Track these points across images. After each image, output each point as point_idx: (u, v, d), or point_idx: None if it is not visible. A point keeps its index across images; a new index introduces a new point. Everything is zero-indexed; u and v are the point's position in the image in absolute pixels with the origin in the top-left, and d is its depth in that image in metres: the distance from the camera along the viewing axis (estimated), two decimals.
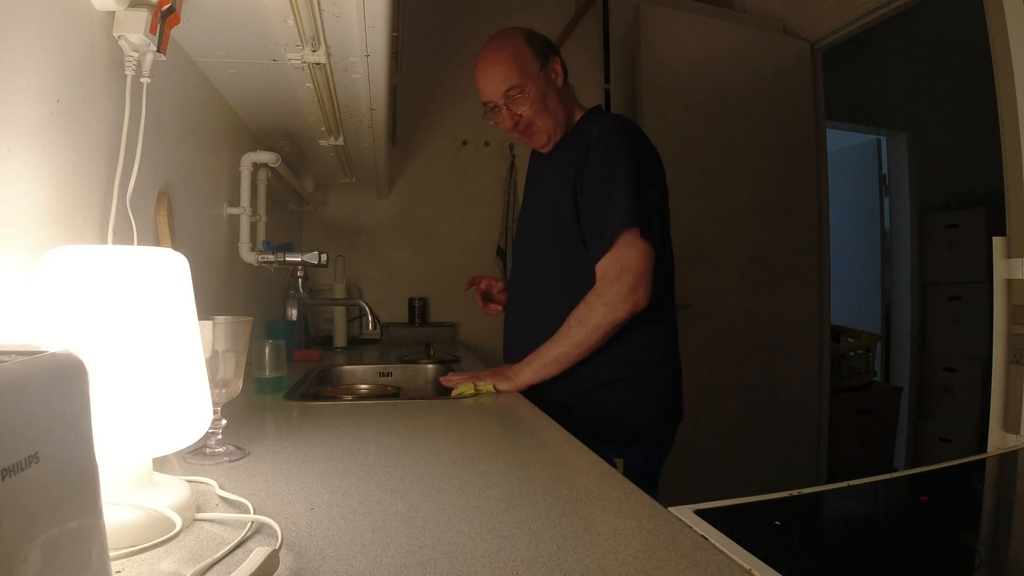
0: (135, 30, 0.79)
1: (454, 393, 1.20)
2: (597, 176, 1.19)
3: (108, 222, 0.80)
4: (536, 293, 1.32)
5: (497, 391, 1.21)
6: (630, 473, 1.08)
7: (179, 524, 0.52)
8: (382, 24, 1.03)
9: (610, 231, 1.16)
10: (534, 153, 1.43)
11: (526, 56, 1.25)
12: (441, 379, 1.27)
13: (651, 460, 1.27)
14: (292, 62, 1.18)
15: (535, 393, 1.22)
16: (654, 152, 1.26)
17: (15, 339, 0.60)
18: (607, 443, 1.12)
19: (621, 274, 1.15)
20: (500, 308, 1.50)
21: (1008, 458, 0.96)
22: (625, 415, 1.23)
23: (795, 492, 0.71)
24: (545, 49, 1.29)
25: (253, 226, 1.58)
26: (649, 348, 1.26)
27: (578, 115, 1.33)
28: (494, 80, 1.25)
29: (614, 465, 1.08)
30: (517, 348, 1.31)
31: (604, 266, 1.17)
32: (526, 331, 1.32)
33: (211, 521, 0.57)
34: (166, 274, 0.56)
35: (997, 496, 0.81)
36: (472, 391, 1.20)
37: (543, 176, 1.37)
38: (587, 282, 1.19)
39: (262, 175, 1.63)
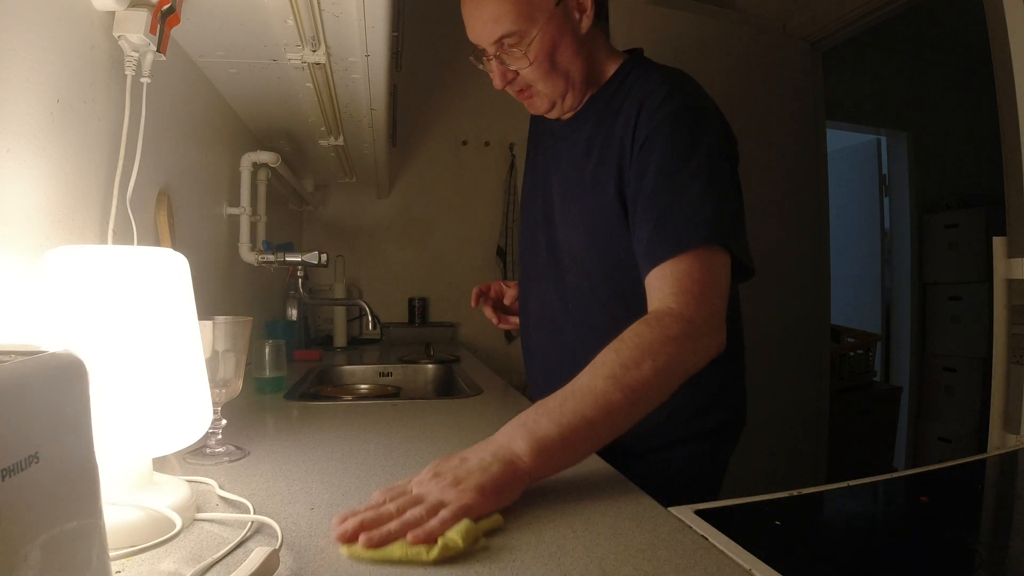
0: (135, 30, 0.79)
1: (376, 557, 0.51)
2: (667, 149, 0.83)
3: (108, 222, 0.80)
4: (567, 319, 0.97)
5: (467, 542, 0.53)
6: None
7: (179, 524, 0.52)
8: (382, 24, 1.03)
9: (680, 244, 0.78)
10: (538, 127, 1.10)
11: None
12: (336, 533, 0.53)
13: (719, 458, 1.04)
14: (292, 62, 1.18)
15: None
16: (725, 122, 0.92)
17: (15, 339, 0.60)
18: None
19: (705, 291, 0.76)
20: (514, 319, 1.16)
21: (1008, 458, 0.96)
22: (689, 476, 0.95)
23: (795, 492, 0.71)
24: None
25: (253, 226, 1.58)
26: (724, 391, 0.99)
27: (610, 68, 0.97)
28: (483, 20, 0.89)
29: None
30: (555, 384, 0.75)
31: (681, 272, 0.77)
32: (563, 363, 0.94)
33: (211, 521, 0.57)
34: (166, 274, 0.56)
35: (997, 496, 0.81)
36: (406, 555, 0.51)
37: (562, 153, 1.00)
38: (635, 306, 0.80)
39: (262, 175, 1.63)
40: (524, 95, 0.95)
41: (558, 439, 0.64)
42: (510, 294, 1.18)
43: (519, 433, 0.64)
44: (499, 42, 0.89)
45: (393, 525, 0.52)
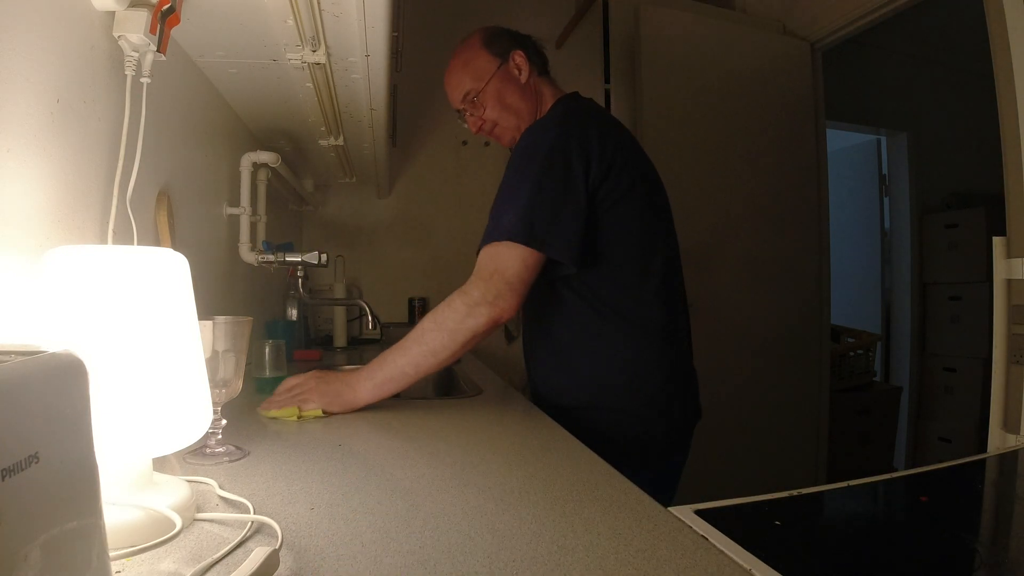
0: (135, 30, 0.79)
1: (268, 415, 1.01)
2: (506, 174, 1.10)
3: (108, 222, 0.80)
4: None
5: (325, 414, 1.02)
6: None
7: (179, 524, 0.52)
8: (382, 24, 1.03)
9: (494, 233, 1.04)
10: None
11: (480, 58, 1.22)
12: (260, 407, 1.04)
13: (658, 481, 1.11)
14: (292, 62, 1.18)
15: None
16: (603, 148, 1.09)
17: (15, 339, 0.60)
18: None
19: (493, 275, 1.02)
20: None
21: (1008, 458, 0.96)
22: (609, 439, 1.09)
23: (795, 492, 0.71)
24: (508, 44, 1.23)
25: (253, 226, 1.58)
26: (618, 374, 1.12)
27: (550, 106, 1.24)
28: (451, 87, 1.26)
29: None
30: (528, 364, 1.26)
31: (479, 262, 1.05)
32: (528, 348, 1.26)
33: (211, 521, 0.57)
34: (166, 274, 0.56)
35: (997, 496, 0.81)
36: (294, 416, 1.00)
37: None
38: (565, 293, 1.11)
39: (262, 175, 1.63)
40: (493, 134, 1.27)
41: (383, 380, 1.04)
42: None
43: (363, 375, 1.05)
44: (464, 99, 1.24)
45: (285, 399, 1.04)
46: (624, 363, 1.12)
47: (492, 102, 1.22)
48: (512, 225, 1.02)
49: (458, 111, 1.28)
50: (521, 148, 1.10)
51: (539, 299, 1.14)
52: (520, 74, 1.23)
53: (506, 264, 1.02)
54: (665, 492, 1.15)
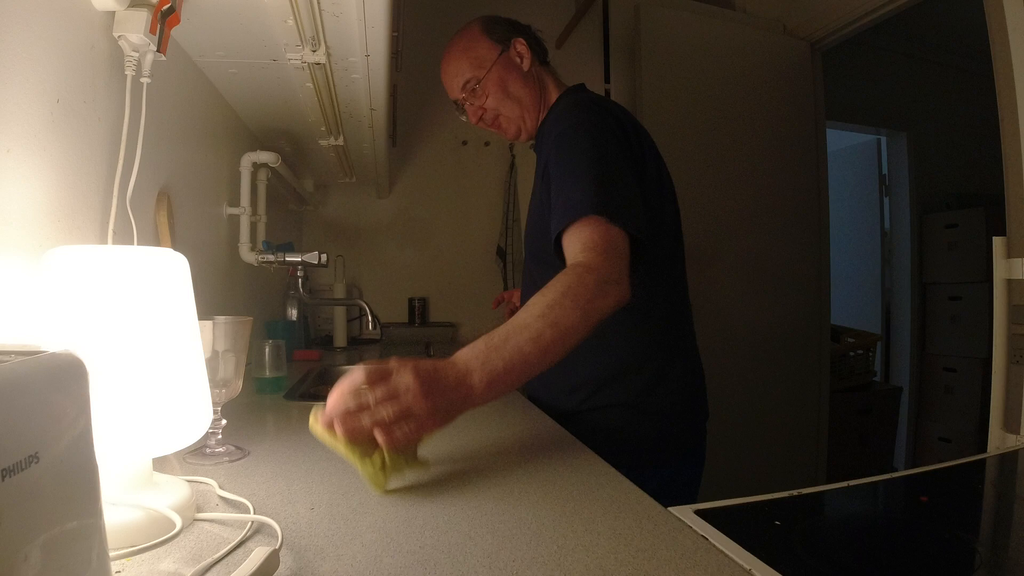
0: (135, 30, 0.79)
1: (336, 447, 0.65)
2: (554, 160, 1.00)
3: (108, 222, 0.80)
4: None
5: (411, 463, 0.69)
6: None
7: (179, 524, 0.52)
8: (382, 24, 1.03)
9: (572, 213, 0.91)
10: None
11: (480, 45, 1.17)
12: (316, 422, 0.65)
13: (671, 482, 1.07)
14: (292, 62, 1.18)
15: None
16: (634, 131, 1.07)
17: (15, 339, 0.60)
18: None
19: (608, 250, 0.87)
20: None
21: (1008, 458, 0.96)
22: (623, 440, 1.05)
23: (795, 492, 0.71)
24: (508, 32, 1.19)
25: (253, 226, 1.58)
26: (617, 370, 1.07)
27: (555, 97, 1.20)
28: (450, 76, 1.20)
29: None
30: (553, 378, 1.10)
31: (585, 237, 0.88)
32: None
33: (211, 521, 0.57)
34: (166, 274, 0.56)
35: (997, 496, 0.81)
36: (374, 475, 0.63)
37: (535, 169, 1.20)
38: None
39: (262, 175, 1.63)
40: (495, 125, 1.21)
41: (503, 372, 0.72)
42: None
43: (475, 367, 0.72)
44: (464, 88, 1.18)
45: (365, 420, 0.63)
46: (630, 359, 1.08)
47: (495, 90, 1.16)
48: (608, 201, 0.91)
49: (456, 102, 1.22)
50: (569, 129, 1.01)
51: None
52: (522, 62, 1.18)
53: (619, 242, 0.88)
54: (691, 486, 1.12)
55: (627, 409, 1.07)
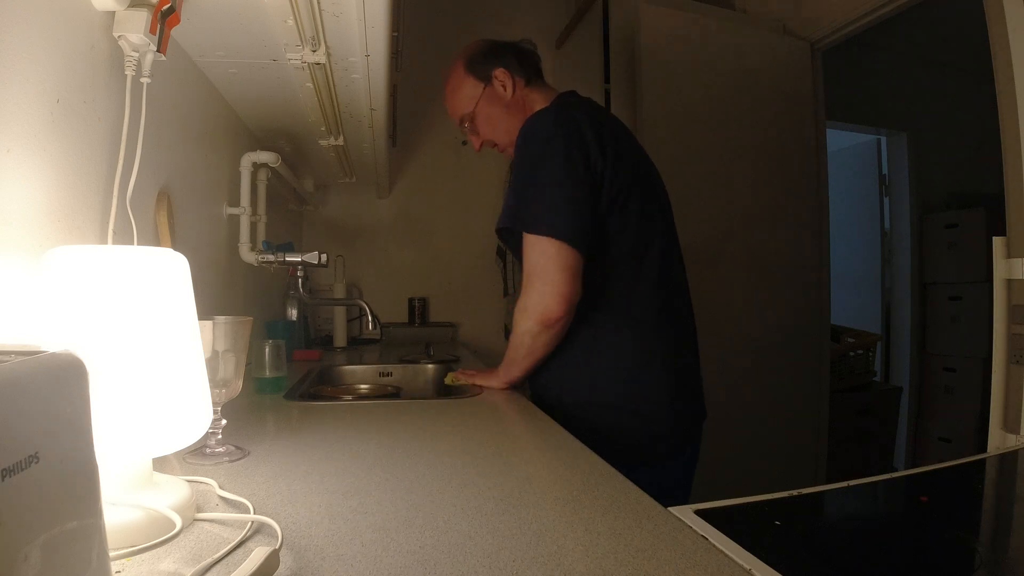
0: (135, 30, 0.79)
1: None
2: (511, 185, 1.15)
3: (108, 222, 0.80)
4: None
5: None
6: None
7: (179, 524, 0.52)
8: (382, 24, 1.03)
9: (528, 225, 1.08)
10: None
11: (466, 85, 1.27)
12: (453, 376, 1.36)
13: (664, 480, 1.09)
14: (292, 62, 1.18)
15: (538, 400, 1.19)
16: (579, 138, 1.09)
17: (15, 339, 0.60)
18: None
19: (529, 279, 1.07)
20: None
21: (1008, 458, 0.96)
22: (615, 439, 1.08)
23: (795, 492, 0.71)
24: (490, 64, 1.26)
25: (253, 226, 1.58)
26: (615, 369, 1.13)
27: None
28: (450, 113, 1.33)
29: None
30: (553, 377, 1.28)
31: (529, 260, 1.08)
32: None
33: (211, 521, 0.57)
34: (166, 274, 0.56)
35: (997, 496, 0.81)
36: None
37: None
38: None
39: (262, 175, 1.63)
40: (497, 149, 1.33)
41: (519, 375, 1.22)
42: None
43: (500, 376, 1.25)
44: (460, 124, 1.32)
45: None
46: (622, 358, 1.12)
47: (483, 123, 1.28)
48: (522, 217, 1.09)
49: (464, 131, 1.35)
50: (520, 143, 1.13)
51: None
52: (505, 91, 1.26)
53: (534, 262, 1.08)
54: (676, 491, 1.14)
55: (609, 409, 1.12)
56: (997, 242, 1.42)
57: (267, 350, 1.26)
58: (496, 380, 1.24)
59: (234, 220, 1.53)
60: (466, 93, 1.27)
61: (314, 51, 1.12)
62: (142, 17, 0.80)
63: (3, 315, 0.59)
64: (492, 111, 1.26)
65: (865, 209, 3.65)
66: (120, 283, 0.52)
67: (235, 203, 1.51)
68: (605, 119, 1.17)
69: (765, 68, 2.53)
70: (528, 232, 1.07)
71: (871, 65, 3.36)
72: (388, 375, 1.78)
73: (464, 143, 2.69)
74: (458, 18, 2.59)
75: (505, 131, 1.26)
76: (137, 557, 0.49)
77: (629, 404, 1.12)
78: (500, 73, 1.25)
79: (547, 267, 1.05)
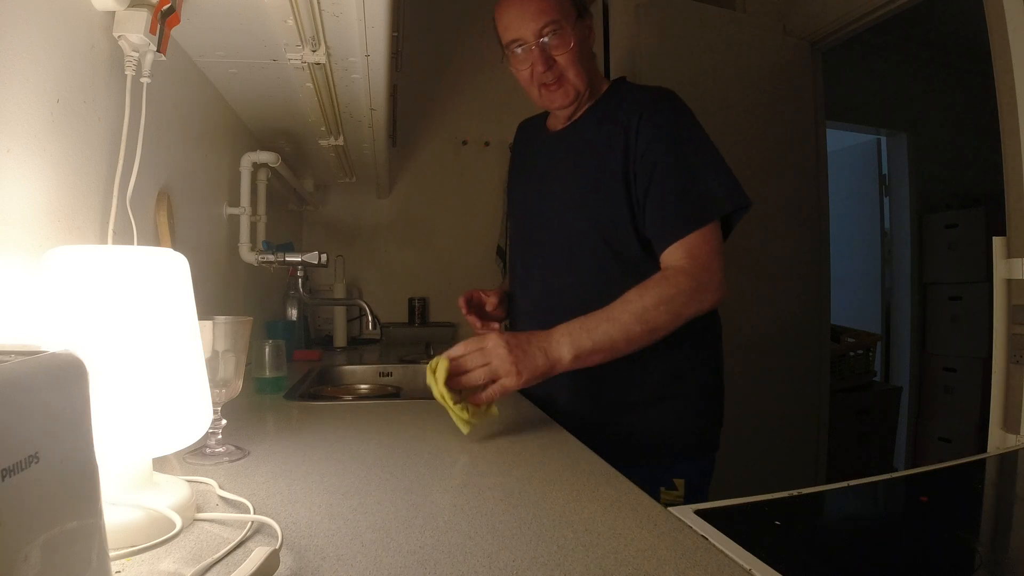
0: (135, 30, 0.79)
1: (443, 399, 0.85)
2: (666, 155, 1.02)
3: (108, 222, 0.80)
4: (573, 299, 1.06)
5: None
6: (691, 489, 1.06)
7: (179, 524, 0.52)
8: (382, 24, 1.03)
9: (697, 216, 0.99)
10: (529, 135, 1.30)
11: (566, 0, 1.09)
12: (433, 365, 0.86)
13: (707, 469, 1.13)
14: (292, 62, 1.18)
15: (548, 403, 1.09)
16: None
17: (15, 339, 0.60)
18: (652, 462, 1.04)
19: (713, 259, 0.97)
20: (499, 326, 1.29)
21: (1008, 458, 0.96)
22: (675, 432, 1.08)
23: (795, 492, 0.71)
24: (581, 2, 1.12)
25: (253, 226, 1.58)
26: (699, 357, 1.10)
27: (603, 87, 1.16)
28: (530, 12, 1.06)
29: (673, 487, 1.06)
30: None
31: (690, 245, 0.98)
32: None
33: (211, 521, 0.57)
34: (166, 274, 0.56)
35: (997, 496, 0.81)
36: (463, 417, 0.85)
37: (561, 158, 1.17)
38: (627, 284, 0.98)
39: (262, 175, 1.63)
40: (552, 87, 1.10)
41: (589, 352, 0.89)
42: (491, 301, 1.28)
43: (566, 342, 0.89)
44: (542, 30, 1.06)
45: (475, 374, 0.85)
46: (694, 348, 1.09)
47: (576, 43, 1.08)
48: (721, 199, 1.03)
49: (514, 45, 1.09)
50: (679, 119, 1.08)
51: (599, 285, 1.06)
52: (589, 38, 1.13)
53: (719, 242, 1.01)
54: (705, 487, 1.14)
55: (684, 400, 1.10)
56: (997, 242, 1.42)
57: (267, 350, 1.26)
58: (544, 375, 0.88)
59: (234, 220, 1.53)
60: (565, 5, 1.07)
61: (314, 51, 1.12)
62: (142, 17, 0.80)
63: (3, 315, 0.59)
64: (584, 42, 1.10)
65: (865, 209, 3.65)
66: (120, 283, 0.52)
67: (235, 203, 1.51)
68: None
69: (765, 68, 2.53)
70: (715, 219, 1.01)
71: (871, 65, 3.36)
72: (388, 375, 1.78)
73: (464, 143, 2.71)
74: (458, 18, 2.59)
75: (585, 73, 1.10)
76: (137, 557, 0.49)
77: (699, 396, 1.12)
78: (590, 21, 1.13)
79: (721, 253, 1.01)
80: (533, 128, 1.30)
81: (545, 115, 1.27)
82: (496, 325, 1.28)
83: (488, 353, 0.85)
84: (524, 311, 1.22)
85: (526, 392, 1.17)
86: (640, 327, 0.91)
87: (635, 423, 1.08)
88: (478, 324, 1.25)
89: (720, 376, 1.15)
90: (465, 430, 0.85)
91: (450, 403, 0.84)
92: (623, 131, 1.05)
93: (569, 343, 0.88)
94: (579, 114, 1.16)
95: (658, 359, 1.04)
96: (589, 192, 1.10)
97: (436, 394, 0.85)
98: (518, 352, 0.85)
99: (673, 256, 0.99)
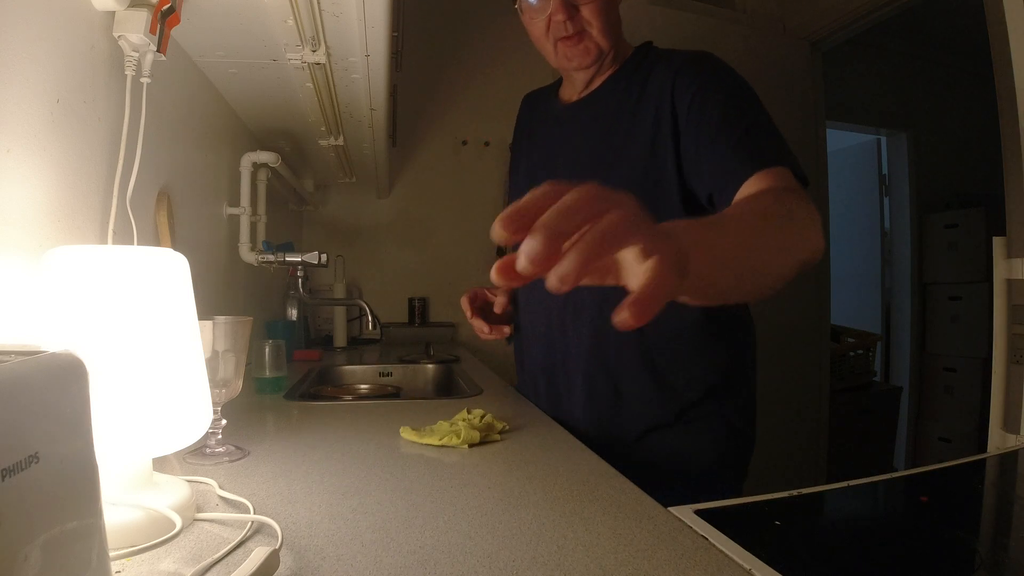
0: (135, 30, 0.79)
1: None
2: (722, 105, 0.88)
3: (108, 222, 0.80)
4: (589, 291, 0.88)
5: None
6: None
7: (179, 524, 0.52)
8: (382, 24, 1.03)
9: (775, 154, 0.84)
10: (537, 108, 1.16)
11: None
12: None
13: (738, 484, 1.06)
14: (292, 62, 1.18)
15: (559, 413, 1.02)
16: None
17: (15, 339, 0.60)
18: (682, 486, 0.87)
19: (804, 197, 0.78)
20: (507, 329, 1.17)
21: (1008, 458, 0.96)
22: (704, 455, 0.99)
23: (795, 492, 0.71)
24: None
25: (253, 226, 1.58)
26: (737, 350, 1.01)
27: (627, 53, 1.03)
28: None
29: None
30: (557, 371, 1.03)
31: (776, 175, 0.82)
32: (578, 346, 0.99)
33: (211, 521, 0.57)
34: (166, 274, 0.56)
35: (997, 496, 0.81)
36: (435, 439, 0.84)
37: (577, 132, 1.03)
38: None
39: (262, 175, 1.63)
40: (571, 42, 0.95)
41: (711, 265, 0.49)
42: (499, 301, 1.17)
43: (699, 249, 0.47)
44: None
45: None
46: (745, 336, 1.04)
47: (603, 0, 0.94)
48: (785, 150, 0.85)
49: None
50: (728, 76, 0.94)
51: None
52: None
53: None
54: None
55: (741, 398, 1.04)
56: (997, 242, 1.42)
57: (267, 350, 1.26)
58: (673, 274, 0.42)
59: (234, 220, 1.53)
60: None
61: (314, 51, 1.12)
62: (142, 17, 0.80)
63: (3, 315, 0.59)
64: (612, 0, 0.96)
65: (865, 209, 3.65)
66: (120, 283, 0.52)
67: (235, 203, 1.51)
68: None
69: (765, 68, 2.53)
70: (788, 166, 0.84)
71: (871, 65, 3.36)
72: (388, 375, 1.78)
73: (464, 143, 2.71)
74: (458, 18, 2.59)
75: (612, 31, 0.96)
76: (137, 557, 0.49)
77: (748, 393, 1.06)
78: None
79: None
80: (542, 99, 1.15)
81: (556, 85, 1.13)
82: (507, 329, 1.17)
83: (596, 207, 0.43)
84: (532, 310, 1.09)
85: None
86: (768, 241, 0.62)
87: (657, 448, 0.96)
88: (486, 328, 1.15)
89: (754, 392, 1.05)
90: (463, 446, 0.84)
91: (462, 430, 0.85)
92: (654, 100, 0.92)
93: (705, 250, 0.49)
94: (599, 81, 1.01)
95: (709, 345, 0.95)
96: (610, 170, 0.95)
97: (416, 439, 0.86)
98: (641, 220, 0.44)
99: (763, 184, 0.79)
